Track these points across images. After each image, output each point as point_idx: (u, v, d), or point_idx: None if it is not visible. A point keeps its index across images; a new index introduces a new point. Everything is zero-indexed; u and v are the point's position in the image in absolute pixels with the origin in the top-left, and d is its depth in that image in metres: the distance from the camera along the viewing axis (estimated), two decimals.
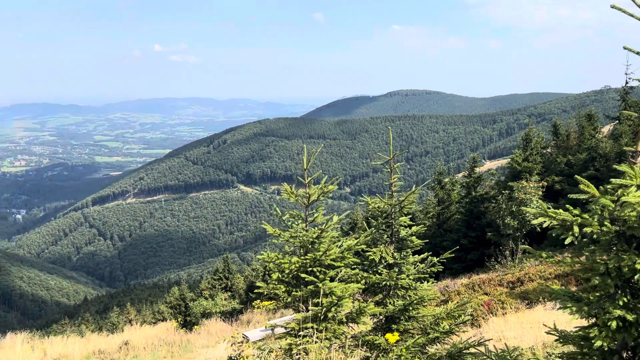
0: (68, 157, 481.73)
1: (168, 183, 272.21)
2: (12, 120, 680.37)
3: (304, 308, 5.89)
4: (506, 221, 23.73)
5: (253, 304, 21.93)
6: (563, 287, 4.01)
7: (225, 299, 30.76)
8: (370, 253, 6.72)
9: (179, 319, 25.31)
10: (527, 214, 22.45)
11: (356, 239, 6.57)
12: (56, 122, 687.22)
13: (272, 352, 5.56)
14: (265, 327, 14.63)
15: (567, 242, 3.68)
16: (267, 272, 34.83)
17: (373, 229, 7.02)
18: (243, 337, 6.18)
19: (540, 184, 24.97)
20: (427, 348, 6.43)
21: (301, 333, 5.42)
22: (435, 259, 6.99)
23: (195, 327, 18.68)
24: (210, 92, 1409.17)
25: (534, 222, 3.88)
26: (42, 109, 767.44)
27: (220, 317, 20.53)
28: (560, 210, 3.73)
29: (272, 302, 18.80)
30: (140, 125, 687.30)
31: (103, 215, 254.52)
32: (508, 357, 4.70)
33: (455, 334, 6.61)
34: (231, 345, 5.24)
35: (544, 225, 3.77)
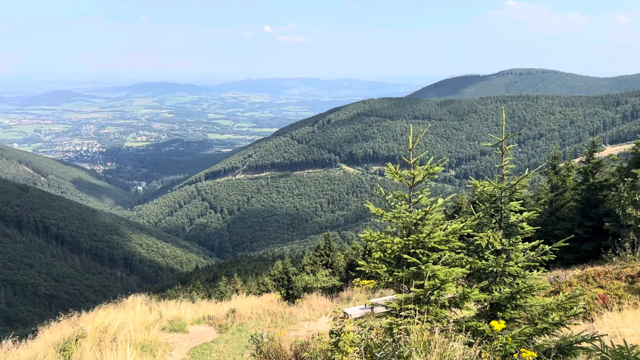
0: (184, 133, 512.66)
1: (274, 161, 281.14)
2: (135, 99, 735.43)
3: (406, 289, 5.85)
4: (627, 211, 21.83)
5: (353, 281, 22.17)
6: None
7: (326, 275, 31.39)
8: (477, 238, 6.51)
9: (282, 292, 26.25)
10: None
11: (462, 222, 6.38)
12: (174, 100, 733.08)
13: (373, 329, 5.60)
14: (365, 305, 14.76)
15: None
16: (367, 252, 35.00)
17: (480, 213, 6.78)
18: (343, 313, 6.28)
19: None
20: (535, 339, 6.14)
21: (402, 313, 5.41)
22: (547, 247, 6.62)
23: (298, 300, 19.26)
24: (316, 72, 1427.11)
25: None
26: (161, 87, 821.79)
27: (321, 293, 21.01)
28: None
29: (372, 281, 18.85)
30: (250, 104, 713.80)
31: (214, 190, 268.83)
32: (626, 353, 4.35)
33: (566, 327, 6.25)
34: (333, 319, 5.35)
35: None
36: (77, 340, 10.47)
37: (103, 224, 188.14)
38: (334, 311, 5.43)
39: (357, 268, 6.82)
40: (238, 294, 24.51)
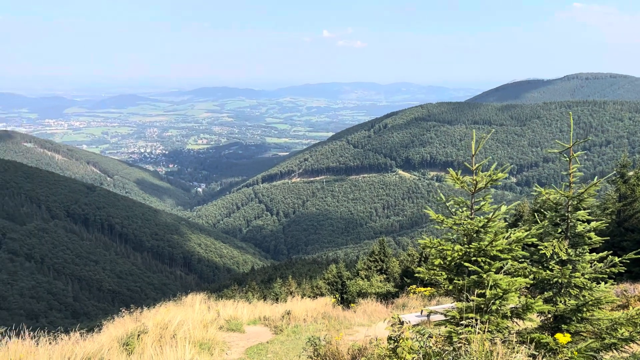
0: (243, 137, 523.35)
1: (330, 165, 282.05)
2: (197, 103, 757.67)
3: (466, 297, 5.74)
4: None
5: (408, 288, 21.93)
6: None
7: (380, 281, 31.16)
8: (541, 247, 6.30)
9: (337, 296, 26.26)
10: None
11: (526, 230, 6.20)
12: (234, 104, 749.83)
13: (432, 337, 5.53)
14: (422, 312, 14.55)
15: None
16: (423, 258, 34.47)
17: (545, 221, 6.55)
18: (400, 320, 6.22)
19: None
20: (602, 354, 5.87)
21: (463, 322, 5.30)
22: (616, 259, 6.32)
23: (352, 305, 19.24)
24: (373, 76, 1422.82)
25: None
26: (222, 92, 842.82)
27: (376, 298, 20.89)
28: None
29: (428, 288, 18.50)
30: (307, 109, 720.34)
31: (271, 192, 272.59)
32: None
33: (636, 343, 5.94)
34: (391, 325, 5.31)
35: None
36: (139, 335, 10.86)
37: (164, 224, 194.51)
38: (392, 317, 5.39)
39: (416, 274, 6.75)
40: (293, 296, 24.71)
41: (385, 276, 35.49)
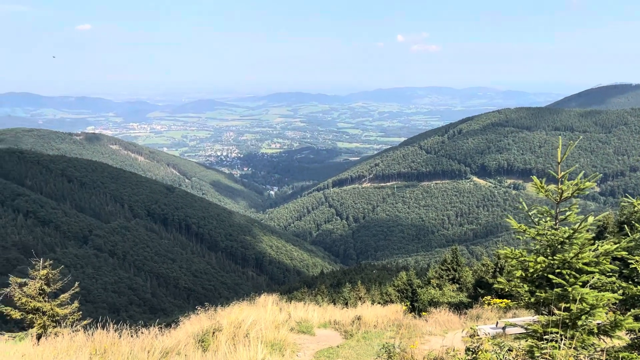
0: (314, 141, 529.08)
1: (401, 170, 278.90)
2: (271, 108, 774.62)
3: (548, 311, 5.48)
4: None
5: (483, 299, 21.25)
6: None
7: (452, 291, 30.42)
8: (632, 261, 5.91)
9: (407, 303, 25.90)
10: None
11: (615, 243, 5.83)
12: (306, 109, 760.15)
13: (512, 350, 5.32)
14: (497, 324, 14.06)
15: None
16: (498, 269, 33.29)
17: (637, 234, 6.14)
18: (473, 331, 6.03)
19: None
20: None
21: (546, 337, 5.06)
22: None
23: (423, 313, 18.90)
24: (448, 81, 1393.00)
25: None
26: (295, 97, 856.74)
27: (448, 308, 20.39)
28: None
29: (504, 300, 17.84)
30: (379, 114, 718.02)
31: (341, 197, 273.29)
32: None
33: None
34: (469, 336, 5.17)
35: None
36: (213, 333, 11.22)
37: (238, 225, 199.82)
38: (471, 327, 5.24)
39: (496, 285, 6.52)
40: (362, 302, 24.62)
41: (457, 286, 34.58)
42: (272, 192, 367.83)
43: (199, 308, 14.03)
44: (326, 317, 16.60)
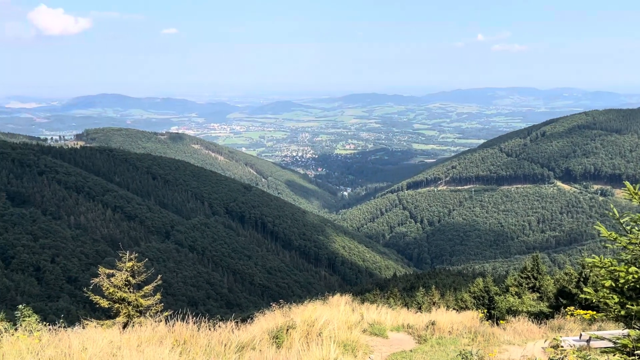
0: (389, 143, 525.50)
1: (479, 173, 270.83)
2: (346, 109, 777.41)
3: None
4: None
5: (565, 310, 20.20)
6: None
7: (532, 299, 29.17)
8: None
9: (484, 311, 25.13)
10: None
11: None
12: (382, 110, 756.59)
13: None
14: (580, 336, 13.32)
15: None
16: (582, 279, 31.56)
17: None
18: (556, 342, 5.72)
19: None
20: None
21: (637, 352, 4.73)
22: None
23: (501, 322, 18.25)
24: (531, 81, 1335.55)
25: None
26: (370, 98, 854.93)
27: (527, 317, 19.55)
28: None
29: (589, 311, 16.89)
30: (457, 115, 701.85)
31: (415, 199, 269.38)
32: None
33: None
34: (552, 347, 4.93)
35: None
36: (287, 330, 11.39)
37: (311, 224, 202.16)
38: (554, 338, 5.00)
39: (581, 296, 6.18)
40: (437, 307, 24.14)
41: (537, 295, 33.13)
42: (345, 193, 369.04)
43: (273, 305, 14.29)
44: (399, 321, 16.41)
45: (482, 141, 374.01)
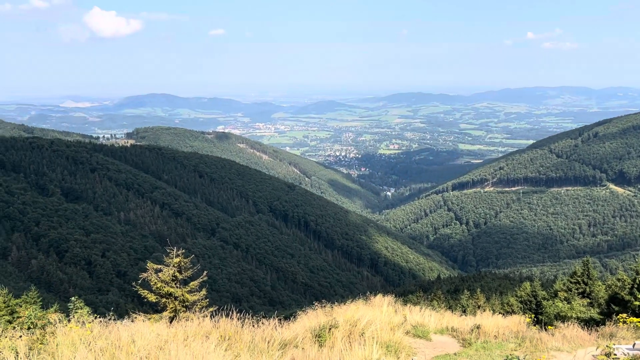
0: (434, 143, 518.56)
1: (528, 175, 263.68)
2: (391, 109, 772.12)
3: None
4: None
5: (617, 317, 19.43)
6: None
7: (583, 306, 28.21)
8: None
9: (531, 316, 24.48)
10: None
11: None
12: (427, 110, 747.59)
13: None
14: (634, 345, 12.80)
15: None
16: (637, 285, 30.30)
17: None
18: (608, 351, 5.51)
19: None
20: None
21: None
22: None
23: (549, 327, 17.73)
24: (583, 80, 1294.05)
25: None
26: (416, 98, 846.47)
27: (577, 324, 18.91)
28: None
29: None
30: (505, 115, 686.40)
31: (461, 201, 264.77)
32: None
33: None
34: (604, 355, 4.77)
35: None
36: (330, 329, 11.42)
37: (354, 224, 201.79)
38: (607, 346, 4.82)
39: (636, 303, 5.94)
40: (482, 311, 23.65)
41: (588, 300, 32.02)
42: (388, 193, 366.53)
43: (315, 303, 14.34)
44: (443, 323, 16.19)
45: (531, 142, 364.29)
